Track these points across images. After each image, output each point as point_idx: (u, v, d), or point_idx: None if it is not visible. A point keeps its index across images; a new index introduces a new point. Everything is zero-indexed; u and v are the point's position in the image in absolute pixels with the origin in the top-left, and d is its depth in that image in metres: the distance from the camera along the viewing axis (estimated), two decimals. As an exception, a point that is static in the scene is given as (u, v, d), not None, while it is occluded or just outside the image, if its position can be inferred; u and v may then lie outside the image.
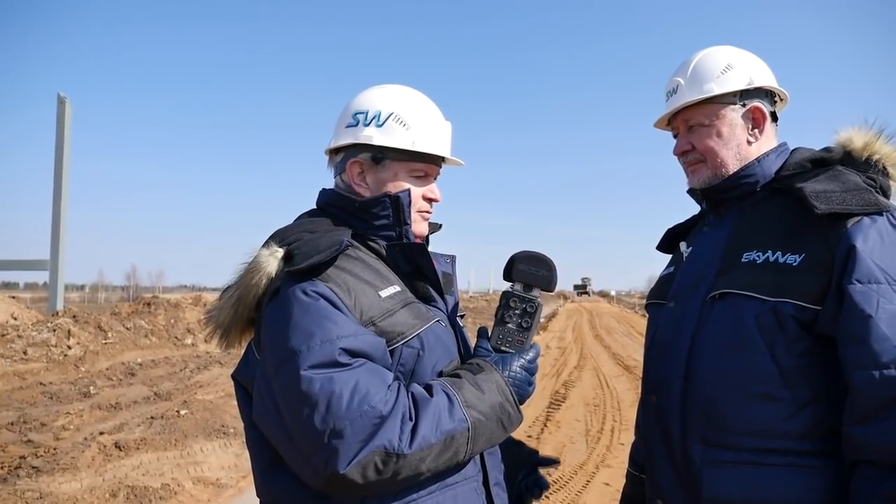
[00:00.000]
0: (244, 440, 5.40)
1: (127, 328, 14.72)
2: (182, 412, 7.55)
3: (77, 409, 7.86)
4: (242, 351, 1.44)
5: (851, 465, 1.29)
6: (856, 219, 1.34)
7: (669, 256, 1.87)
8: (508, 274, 1.50)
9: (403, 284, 1.43)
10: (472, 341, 1.55)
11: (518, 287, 1.48)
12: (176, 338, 15.61)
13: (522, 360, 1.40)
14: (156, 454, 6.05)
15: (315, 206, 1.57)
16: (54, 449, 6.14)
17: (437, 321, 1.42)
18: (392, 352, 1.31)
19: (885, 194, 1.45)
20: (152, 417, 7.35)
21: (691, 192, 1.72)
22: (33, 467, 5.51)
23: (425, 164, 1.51)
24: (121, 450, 6.06)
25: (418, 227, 1.51)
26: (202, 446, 6.40)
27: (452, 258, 1.65)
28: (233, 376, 1.45)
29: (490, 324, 1.51)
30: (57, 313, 14.36)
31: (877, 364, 1.23)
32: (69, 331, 12.77)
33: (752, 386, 1.37)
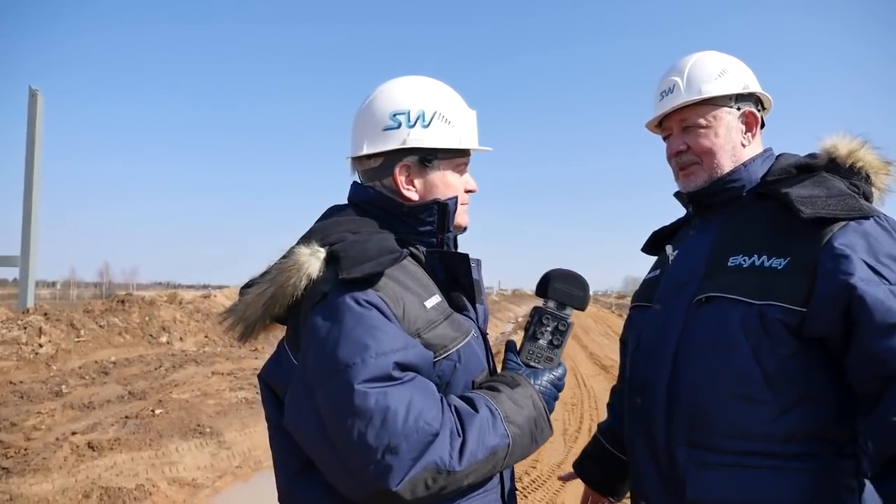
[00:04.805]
0: (220, 440, 5.32)
1: (100, 326, 14.45)
2: (157, 411, 7.44)
3: (48, 409, 7.69)
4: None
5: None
6: (841, 223, 1.36)
7: (652, 259, 1.89)
8: (543, 291, 1.48)
9: (441, 293, 1.39)
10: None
11: (552, 304, 1.47)
12: (150, 336, 15.36)
13: (552, 376, 1.40)
14: (130, 454, 5.96)
15: (348, 201, 1.51)
16: (25, 449, 6.01)
17: (473, 334, 1.40)
18: (433, 364, 1.29)
19: (868, 200, 1.48)
20: (126, 417, 7.23)
21: (678, 195, 1.74)
22: (3, 468, 5.39)
23: (466, 158, 1.49)
24: (94, 450, 5.95)
25: (463, 218, 1.50)
26: (177, 446, 6.32)
27: (478, 262, 1.55)
28: (260, 377, 1.40)
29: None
30: (27, 311, 14.04)
31: None
32: (40, 328, 12.50)
33: (737, 389, 1.39)
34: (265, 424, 1.44)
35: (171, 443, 6.39)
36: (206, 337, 16.30)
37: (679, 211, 1.82)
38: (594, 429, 7.11)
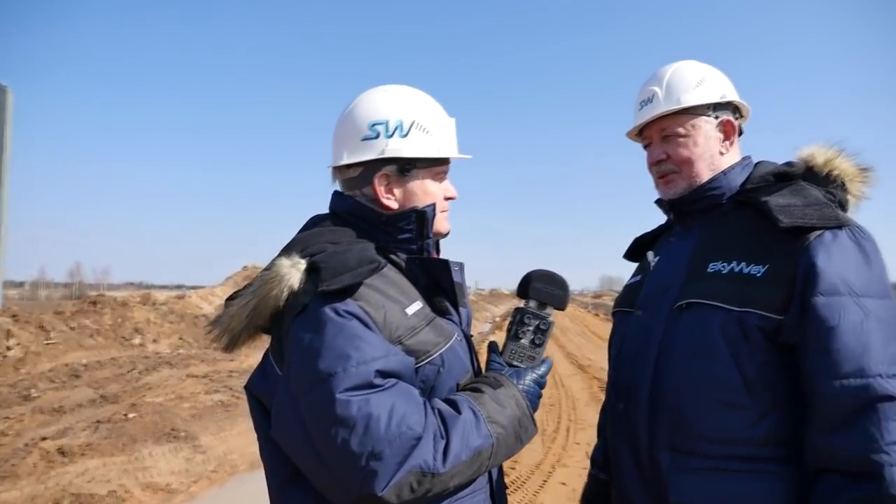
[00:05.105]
0: (195, 444, 5.25)
1: (71, 328, 14.18)
2: (130, 415, 7.31)
3: (17, 414, 7.51)
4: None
5: (814, 474, 1.32)
6: (817, 232, 1.38)
7: (629, 262, 1.92)
8: (524, 291, 1.51)
9: (423, 298, 1.42)
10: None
11: (532, 304, 1.50)
12: (123, 338, 15.10)
13: (535, 375, 1.43)
14: (102, 460, 5.85)
15: (329, 211, 1.52)
16: (-8, 456, 5.87)
17: (456, 337, 1.43)
18: (416, 369, 1.31)
19: (843, 208, 1.50)
20: (98, 421, 7.10)
21: (658, 202, 1.76)
22: (-31, 476, 5.25)
23: (445, 166, 1.51)
24: (64, 456, 5.84)
25: (443, 225, 1.52)
26: (151, 451, 6.22)
27: (461, 266, 1.56)
28: (247, 388, 1.42)
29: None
30: (-5, 312, 13.71)
31: (839, 374, 1.28)
32: (8, 331, 12.22)
33: (718, 394, 1.41)
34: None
35: (145, 447, 6.28)
36: (180, 339, 16.08)
37: (656, 213, 1.84)
38: (572, 428, 7.20)
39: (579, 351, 15.57)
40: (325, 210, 1.55)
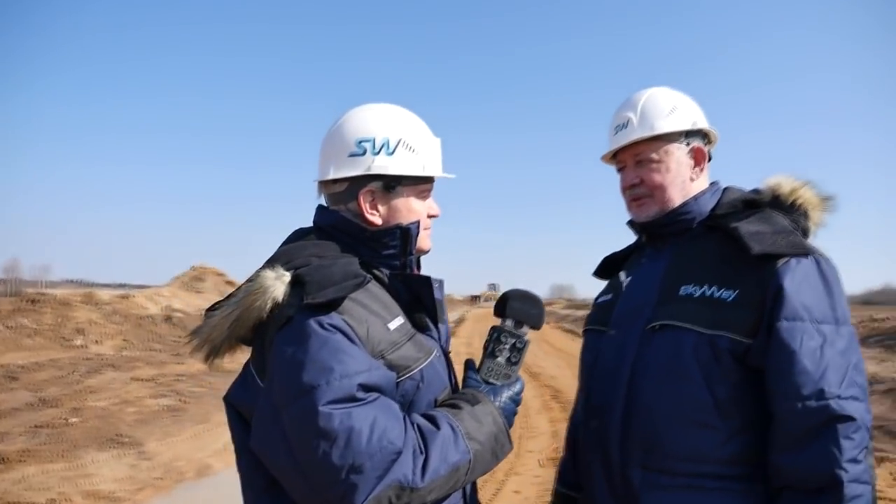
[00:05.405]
0: (140, 450, 5.13)
1: (8, 327, 13.61)
2: (71, 420, 7.08)
3: (-52, 418, 7.20)
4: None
5: (777, 491, 1.39)
6: (784, 259, 1.45)
7: (579, 271, 1.98)
8: (501, 310, 1.55)
9: (404, 314, 1.44)
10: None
11: (509, 323, 1.54)
12: (64, 338, 14.56)
13: (511, 392, 1.46)
14: (41, 467, 5.65)
15: (313, 224, 1.53)
16: (-79, 462, 5.60)
17: (435, 353, 1.45)
18: (396, 384, 1.33)
19: (805, 235, 1.59)
20: (37, 426, 6.86)
21: (630, 223, 1.81)
22: None
23: (430, 184, 1.54)
24: (1, 463, 5.61)
25: (425, 242, 1.55)
26: (94, 457, 6.03)
27: (440, 283, 1.55)
28: (226, 399, 1.42)
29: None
30: (-76, 310, 13.05)
31: (800, 396, 1.35)
32: (-61, 329, 11.66)
33: (689, 414, 1.46)
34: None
35: (87, 454, 6.08)
36: (124, 340, 15.58)
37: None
38: (524, 436, 7.28)
39: (531, 359, 15.72)
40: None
